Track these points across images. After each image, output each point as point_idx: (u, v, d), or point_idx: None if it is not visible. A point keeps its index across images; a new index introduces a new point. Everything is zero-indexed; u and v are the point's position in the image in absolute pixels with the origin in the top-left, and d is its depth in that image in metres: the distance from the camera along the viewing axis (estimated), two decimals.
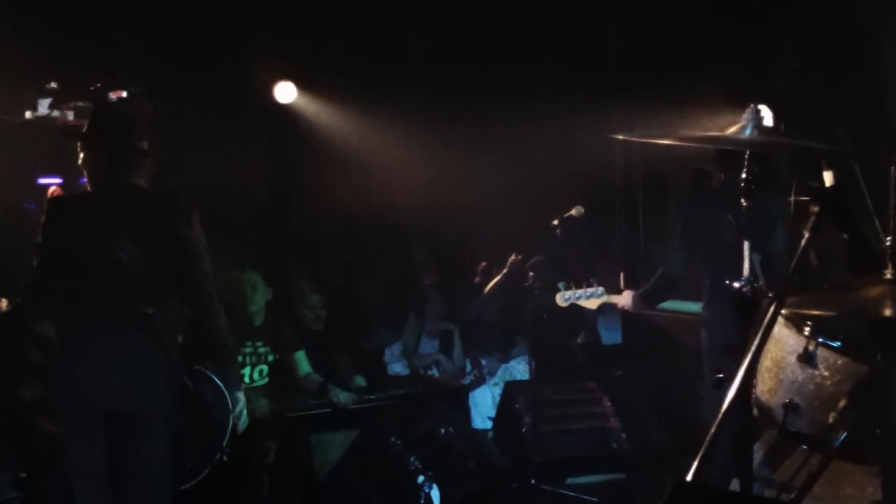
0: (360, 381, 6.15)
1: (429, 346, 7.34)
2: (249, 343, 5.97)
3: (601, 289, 5.68)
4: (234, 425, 4.40)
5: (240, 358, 5.92)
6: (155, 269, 3.91)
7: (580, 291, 5.69)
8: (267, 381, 6.00)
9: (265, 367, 6.02)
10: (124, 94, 8.98)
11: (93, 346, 3.85)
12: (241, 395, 4.40)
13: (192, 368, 4.41)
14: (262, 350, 6.01)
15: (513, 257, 7.28)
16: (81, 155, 4.15)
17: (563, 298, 5.74)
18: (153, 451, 3.89)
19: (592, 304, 5.75)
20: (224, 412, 4.45)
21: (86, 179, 4.16)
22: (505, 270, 7.40)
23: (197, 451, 4.35)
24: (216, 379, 4.55)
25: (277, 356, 6.03)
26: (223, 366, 4.35)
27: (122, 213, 3.93)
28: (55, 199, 4.44)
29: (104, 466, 3.88)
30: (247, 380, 5.97)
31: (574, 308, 8.01)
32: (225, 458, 4.44)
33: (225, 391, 4.46)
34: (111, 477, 3.90)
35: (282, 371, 6.06)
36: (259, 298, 5.99)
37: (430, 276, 7.76)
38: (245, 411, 4.40)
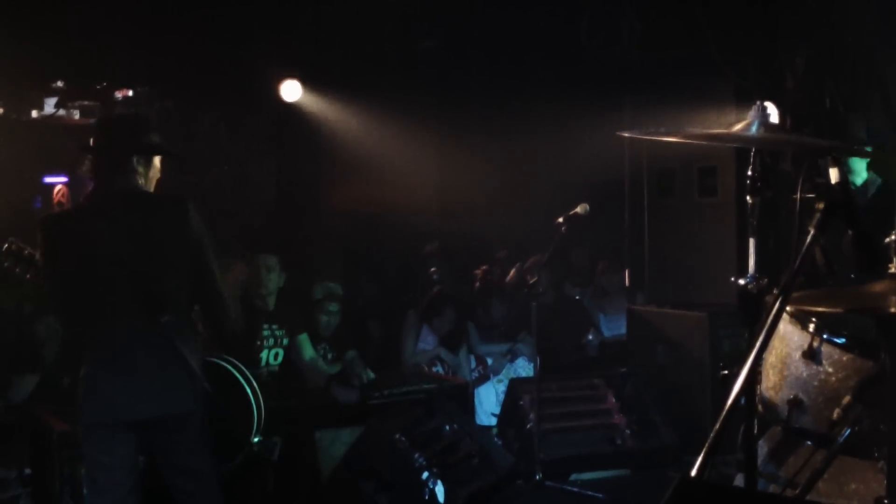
0: (370, 375, 6.17)
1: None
2: (267, 326, 5.97)
3: None
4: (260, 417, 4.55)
5: (258, 342, 5.93)
6: (166, 274, 3.87)
7: None
8: (281, 363, 6.00)
9: (280, 351, 6.01)
10: (130, 93, 9.01)
11: (117, 361, 3.82)
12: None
13: (210, 363, 4.46)
14: (278, 333, 6.00)
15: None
16: (87, 162, 4.03)
17: None
18: (192, 449, 3.95)
19: None
20: (246, 406, 4.57)
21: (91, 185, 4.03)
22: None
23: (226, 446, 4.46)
24: (234, 372, 4.63)
25: (290, 340, 6.05)
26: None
27: (123, 221, 3.84)
28: (48, 219, 4.11)
29: (130, 463, 3.90)
30: (263, 363, 5.98)
31: (579, 305, 8.05)
32: (255, 449, 4.63)
33: (245, 385, 4.57)
34: (135, 474, 3.92)
35: (292, 358, 6.08)
36: (273, 281, 5.96)
37: (435, 269, 7.75)
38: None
